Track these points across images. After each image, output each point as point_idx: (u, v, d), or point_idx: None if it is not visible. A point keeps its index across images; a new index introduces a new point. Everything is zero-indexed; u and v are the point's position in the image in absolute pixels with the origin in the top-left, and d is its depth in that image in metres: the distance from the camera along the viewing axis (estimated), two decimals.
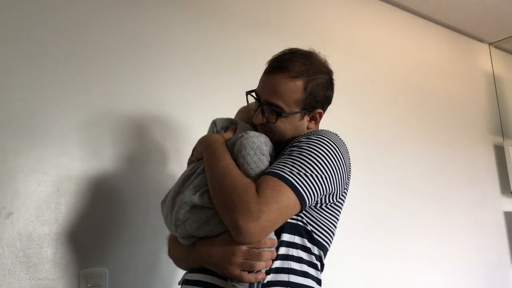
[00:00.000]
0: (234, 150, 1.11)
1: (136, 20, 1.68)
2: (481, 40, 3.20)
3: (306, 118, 1.20)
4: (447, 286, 2.48)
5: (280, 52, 1.21)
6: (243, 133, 1.13)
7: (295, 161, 1.04)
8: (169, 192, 1.19)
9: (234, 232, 0.98)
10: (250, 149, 1.08)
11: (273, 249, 1.03)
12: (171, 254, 1.22)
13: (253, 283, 1.01)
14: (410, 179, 2.46)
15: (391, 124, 2.46)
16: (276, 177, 1.01)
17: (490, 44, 3.24)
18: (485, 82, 3.13)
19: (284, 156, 1.08)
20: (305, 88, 1.16)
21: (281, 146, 1.19)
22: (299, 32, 2.17)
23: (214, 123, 1.28)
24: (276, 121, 1.16)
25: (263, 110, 1.17)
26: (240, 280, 1.00)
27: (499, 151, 3.02)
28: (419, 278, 2.35)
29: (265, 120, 1.18)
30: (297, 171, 1.03)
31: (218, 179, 1.04)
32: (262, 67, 1.21)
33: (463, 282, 2.56)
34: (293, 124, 1.18)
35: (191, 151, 1.26)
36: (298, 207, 1.04)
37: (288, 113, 1.16)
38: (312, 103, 1.18)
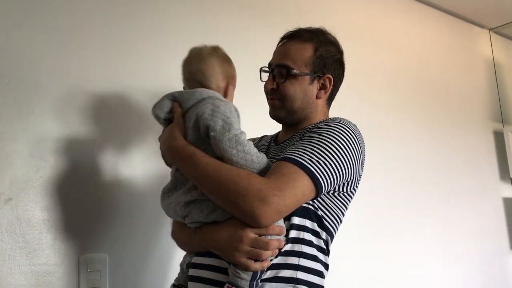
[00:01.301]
0: (216, 153, 1.04)
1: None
2: (481, 26, 3.18)
3: (316, 85, 1.21)
4: (446, 271, 2.49)
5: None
6: (203, 121, 1.05)
7: (315, 148, 1.04)
8: (166, 189, 1.16)
9: (248, 219, 0.97)
10: (230, 149, 1.01)
11: (281, 237, 1.02)
12: (175, 235, 1.21)
13: (256, 272, 1.00)
14: (409, 166, 2.46)
15: (390, 110, 2.45)
16: (292, 163, 1.00)
17: (490, 29, 3.22)
18: (485, 68, 3.12)
19: (303, 141, 1.07)
20: (315, 51, 1.19)
21: (289, 127, 1.22)
22: (296, 18, 2.15)
23: (156, 115, 1.17)
24: (285, 81, 1.17)
25: (273, 75, 1.20)
26: (246, 269, 0.98)
27: (499, 138, 3.02)
28: (418, 263, 2.36)
29: (275, 84, 1.19)
30: (316, 158, 1.02)
31: (209, 183, 1.01)
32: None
33: (462, 267, 2.57)
34: (302, 87, 1.19)
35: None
36: (313, 193, 1.03)
37: (297, 73, 1.17)
38: (322, 68, 1.20)
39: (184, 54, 1.21)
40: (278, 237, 1.01)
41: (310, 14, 2.21)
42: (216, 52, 1.19)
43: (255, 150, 1.04)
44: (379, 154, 2.33)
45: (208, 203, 1.04)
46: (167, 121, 1.17)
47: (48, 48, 1.45)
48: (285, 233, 1.03)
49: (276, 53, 1.25)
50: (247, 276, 0.99)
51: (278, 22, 2.03)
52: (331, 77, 1.22)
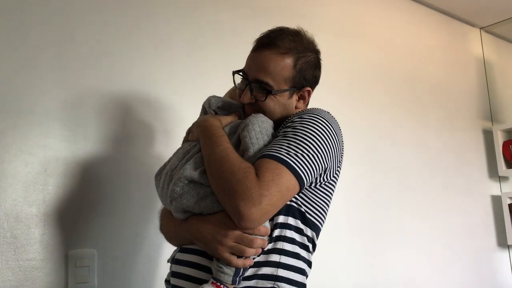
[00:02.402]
0: (240, 127, 1.11)
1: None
2: (472, 25, 3.19)
3: (295, 97, 1.20)
4: (435, 268, 2.51)
5: (267, 30, 1.20)
6: (252, 114, 1.13)
7: (291, 142, 1.04)
8: (165, 165, 1.17)
9: (235, 218, 0.97)
10: (257, 126, 1.08)
11: (266, 237, 1.03)
12: (163, 229, 1.21)
13: (239, 268, 1.01)
14: (398, 163, 2.48)
15: (380, 108, 2.46)
16: (274, 160, 1.01)
17: (481, 28, 3.24)
18: (476, 66, 3.14)
19: (279, 138, 1.08)
20: (294, 66, 1.15)
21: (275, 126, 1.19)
22: (287, 13, 2.16)
23: (208, 101, 1.24)
24: (265, 99, 1.15)
25: (251, 89, 1.16)
26: (228, 264, 0.99)
27: (488, 136, 3.04)
28: (407, 261, 2.39)
29: (253, 99, 1.17)
30: (294, 152, 1.02)
31: (216, 165, 1.02)
32: (250, 47, 1.20)
33: (451, 264, 2.60)
34: (281, 102, 1.18)
35: (184, 132, 1.25)
36: (297, 188, 1.04)
37: (278, 91, 1.15)
38: (301, 81, 1.18)
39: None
40: (263, 237, 1.02)
41: (303, 12, 2.22)
42: None
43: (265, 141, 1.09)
44: (367, 152, 2.34)
45: (205, 190, 1.04)
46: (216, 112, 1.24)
47: (45, 49, 1.45)
48: (269, 233, 1.04)
49: (252, 61, 1.18)
50: (230, 271, 0.99)
51: (269, 18, 2.03)
52: (310, 89, 1.21)
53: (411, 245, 2.43)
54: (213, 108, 1.23)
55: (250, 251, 0.99)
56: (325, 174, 1.12)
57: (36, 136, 1.41)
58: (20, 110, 1.39)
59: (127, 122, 1.59)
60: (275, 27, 1.20)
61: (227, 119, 1.18)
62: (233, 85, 1.27)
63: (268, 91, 1.14)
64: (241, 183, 0.96)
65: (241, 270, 1.01)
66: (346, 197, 2.17)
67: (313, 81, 1.22)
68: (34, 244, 1.36)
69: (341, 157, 1.18)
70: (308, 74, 1.18)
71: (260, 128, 1.09)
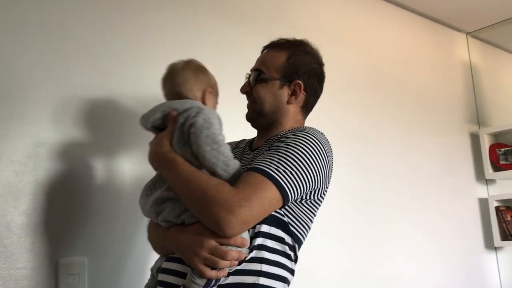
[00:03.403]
0: (193, 150, 1.10)
1: (117, 2, 1.68)
2: (459, 30, 3.24)
3: (286, 90, 1.26)
4: (423, 271, 2.55)
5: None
6: (188, 127, 1.10)
7: (282, 158, 1.07)
8: (147, 186, 1.20)
9: (215, 227, 0.99)
10: (205, 145, 1.07)
11: (243, 249, 1.04)
12: (150, 238, 1.24)
13: (211, 280, 1.02)
14: (387, 167, 2.51)
15: (367, 113, 2.49)
16: (261, 174, 1.03)
17: (467, 33, 3.29)
18: (462, 71, 3.19)
19: (270, 151, 1.10)
20: (288, 58, 1.26)
21: (262, 132, 1.28)
22: (272, 19, 2.18)
23: (142, 124, 1.22)
24: (255, 84, 1.25)
25: (249, 79, 1.29)
26: (201, 275, 1.01)
27: (475, 140, 3.09)
28: (395, 262, 2.42)
29: (249, 88, 1.28)
30: (283, 168, 1.05)
31: (186, 192, 1.05)
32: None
33: (439, 265, 2.63)
34: (271, 91, 1.25)
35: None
36: (280, 203, 1.06)
37: (268, 78, 1.24)
38: (292, 74, 1.24)
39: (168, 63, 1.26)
40: (239, 248, 1.03)
41: (289, 19, 2.24)
42: (189, 65, 1.24)
43: (230, 154, 1.09)
44: (355, 157, 2.37)
45: (181, 203, 1.08)
46: (156, 129, 1.22)
47: (42, 54, 1.46)
48: (248, 245, 1.06)
49: (256, 60, 1.33)
50: (201, 282, 1.01)
51: (256, 26, 2.06)
52: (301, 83, 1.25)
53: (400, 247, 2.46)
54: (149, 127, 1.22)
55: (224, 263, 1.01)
56: (313, 193, 1.14)
57: (26, 145, 1.42)
58: (9, 119, 1.40)
59: (115, 129, 1.60)
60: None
61: (170, 131, 1.15)
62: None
63: (258, 75, 1.25)
64: (217, 197, 0.99)
65: (213, 281, 1.03)
66: (336, 200, 2.20)
67: (308, 82, 1.27)
68: (24, 253, 1.37)
69: (330, 178, 1.21)
70: (301, 70, 1.26)
71: (209, 146, 1.06)
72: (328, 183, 1.21)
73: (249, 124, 1.34)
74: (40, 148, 1.44)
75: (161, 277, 1.12)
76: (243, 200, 0.98)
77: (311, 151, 1.10)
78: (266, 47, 1.33)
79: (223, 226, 0.98)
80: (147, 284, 1.23)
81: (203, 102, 1.21)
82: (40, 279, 1.39)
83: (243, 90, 1.31)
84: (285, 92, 1.25)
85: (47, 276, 1.40)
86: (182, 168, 1.07)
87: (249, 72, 1.31)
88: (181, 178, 1.06)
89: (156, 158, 1.16)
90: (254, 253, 1.08)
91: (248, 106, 1.31)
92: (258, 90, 1.25)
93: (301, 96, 1.27)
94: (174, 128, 1.14)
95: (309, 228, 1.19)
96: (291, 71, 1.24)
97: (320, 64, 1.31)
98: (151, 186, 1.17)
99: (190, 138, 1.09)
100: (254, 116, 1.28)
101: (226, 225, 0.97)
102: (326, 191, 1.21)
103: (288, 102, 1.26)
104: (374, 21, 2.69)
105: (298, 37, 1.34)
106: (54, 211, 1.44)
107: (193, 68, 1.24)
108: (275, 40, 1.33)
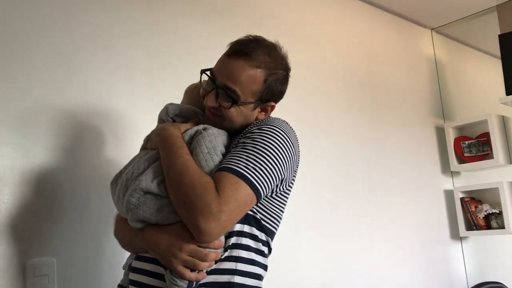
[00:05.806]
0: (191, 146, 1.11)
1: (78, 7, 1.65)
2: (423, 26, 3.31)
3: (258, 109, 1.21)
4: (390, 261, 2.60)
5: (245, 37, 1.19)
6: (202, 130, 1.13)
7: (250, 155, 1.06)
8: (121, 173, 1.18)
9: (194, 232, 0.99)
10: (204, 147, 1.08)
11: (219, 250, 1.05)
12: (117, 235, 1.22)
13: (192, 281, 1.02)
14: (354, 161, 2.55)
15: (333, 108, 2.53)
16: (232, 173, 1.03)
17: (432, 29, 3.37)
18: (427, 66, 3.26)
19: (238, 149, 1.09)
20: (265, 81, 1.16)
21: (232, 132, 1.20)
22: (242, 15, 2.19)
23: (166, 109, 1.24)
24: (230, 108, 1.15)
25: (217, 94, 1.15)
26: (181, 277, 1.01)
27: (440, 133, 3.17)
28: (362, 254, 2.46)
29: (217, 104, 1.15)
30: (252, 165, 1.05)
31: (176, 178, 1.03)
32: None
33: (406, 256, 2.70)
34: (244, 113, 1.18)
35: (135, 137, 1.26)
36: (254, 201, 1.07)
37: (243, 102, 1.16)
38: (268, 96, 1.20)
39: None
40: (217, 250, 1.04)
41: (256, 15, 2.25)
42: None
43: (218, 164, 1.09)
44: (323, 151, 2.40)
45: (162, 201, 1.05)
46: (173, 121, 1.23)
47: None
48: (223, 246, 1.06)
49: (223, 66, 1.16)
50: (183, 283, 1.01)
51: (229, 23, 2.06)
52: (274, 104, 1.23)
53: (367, 239, 2.51)
54: (171, 115, 1.22)
55: (204, 265, 1.01)
56: (281, 185, 1.15)
57: None
58: None
59: (80, 130, 1.58)
60: (252, 35, 1.19)
61: (186, 126, 1.18)
62: (191, 83, 1.29)
63: (234, 100, 1.14)
64: (201, 198, 0.98)
65: (194, 283, 1.03)
66: (305, 193, 2.22)
67: (278, 96, 1.24)
68: None
69: (297, 167, 1.21)
70: (275, 90, 1.20)
71: (208, 149, 1.09)
72: (295, 171, 1.21)
73: None
74: (5, 147, 1.41)
75: (133, 276, 1.11)
76: (223, 204, 0.98)
77: (277, 143, 1.10)
78: (235, 53, 1.15)
79: (202, 231, 0.97)
80: (122, 279, 1.20)
81: None
82: (8, 281, 1.36)
83: (210, 105, 1.16)
84: (256, 111, 1.21)
85: (15, 278, 1.37)
86: (184, 156, 1.06)
87: (208, 75, 1.18)
88: (179, 166, 1.04)
89: (161, 139, 1.12)
90: (228, 252, 1.08)
91: (211, 117, 1.20)
92: (230, 112, 1.15)
93: (270, 112, 1.25)
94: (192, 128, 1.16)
95: (280, 219, 1.20)
96: (266, 94, 1.18)
97: (289, 69, 1.24)
98: (136, 167, 1.12)
99: (194, 139, 1.11)
100: (218, 128, 1.19)
101: (206, 233, 0.98)
102: (293, 179, 1.21)
103: (257, 118, 1.23)
104: (339, 17, 2.72)
105: (261, 34, 1.22)
106: (20, 211, 1.41)
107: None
108: (244, 40, 1.18)
